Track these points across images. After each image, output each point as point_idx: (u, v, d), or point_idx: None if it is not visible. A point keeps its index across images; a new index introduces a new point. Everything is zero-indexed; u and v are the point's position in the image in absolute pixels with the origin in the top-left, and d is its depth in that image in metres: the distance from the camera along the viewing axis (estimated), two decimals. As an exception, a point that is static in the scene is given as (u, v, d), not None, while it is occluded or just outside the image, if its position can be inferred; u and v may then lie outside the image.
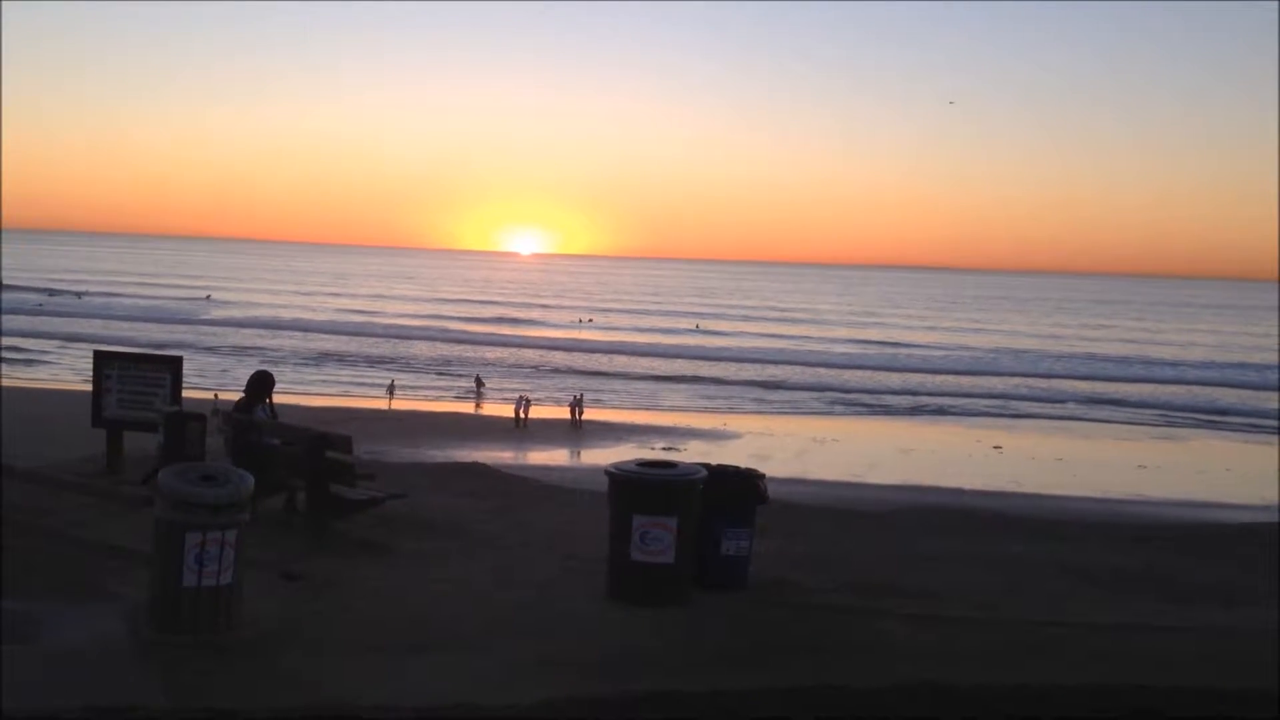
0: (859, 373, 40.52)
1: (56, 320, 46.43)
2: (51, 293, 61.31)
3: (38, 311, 49.71)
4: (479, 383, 29.73)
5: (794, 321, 69.00)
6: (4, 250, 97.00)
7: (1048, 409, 31.95)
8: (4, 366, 29.37)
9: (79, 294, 63.14)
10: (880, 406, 31.09)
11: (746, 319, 69.16)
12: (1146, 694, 7.14)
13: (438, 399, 28.70)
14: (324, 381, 31.54)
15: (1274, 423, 30.19)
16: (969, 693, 7.00)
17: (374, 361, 37.34)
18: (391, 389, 28.15)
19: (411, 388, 30.23)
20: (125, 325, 47.21)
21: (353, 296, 76.66)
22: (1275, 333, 68.22)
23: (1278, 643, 8.29)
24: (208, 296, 65.70)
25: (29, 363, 31.47)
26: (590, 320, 61.39)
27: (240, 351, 38.38)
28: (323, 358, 37.87)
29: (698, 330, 57.03)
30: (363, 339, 45.76)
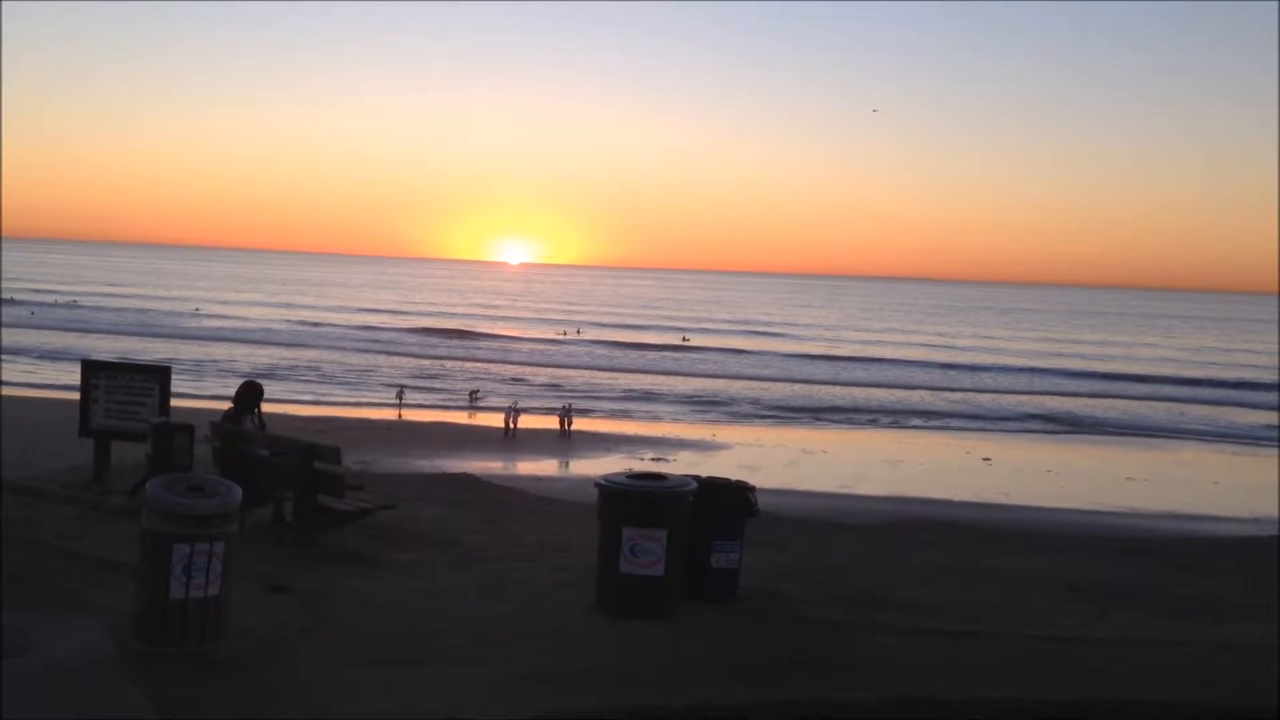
0: (846, 383, 40.56)
1: (43, 333, 46.19)
2: (12, 300, 60.61)
3: (26, 322, 49.40)
4: (475, 396, 29.64)
5: (779, 334, 69.02)
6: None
7: (1037, 421, 32.00)
8: None
9: (70, 304, 62.75)
10: (868, 417, 31.08)
11: (732, 331, 69.17)
12: (1140, 709, 7.12)
13: (427, 408, 28.59)
14: (312, 391, 31.41)
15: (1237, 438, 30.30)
16: (964, 707, 6.98)
17: (359, 371, 37.23)
18: (401, 396, 28.18)
19: (401, 396, 30.11)
20: (108, 337, 47.02)
21: (340, 308, 76.43)
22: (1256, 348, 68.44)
23: (1271, 658, 8.28)
24: (196, 309, 65.41)
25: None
26: (578, 333, 61.36)
27: (227, 362, 38.23)
28: (309, 367, 37.75)
29: (685, 343, 56.99)
30: (348, 349, 45.67)
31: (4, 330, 42.71)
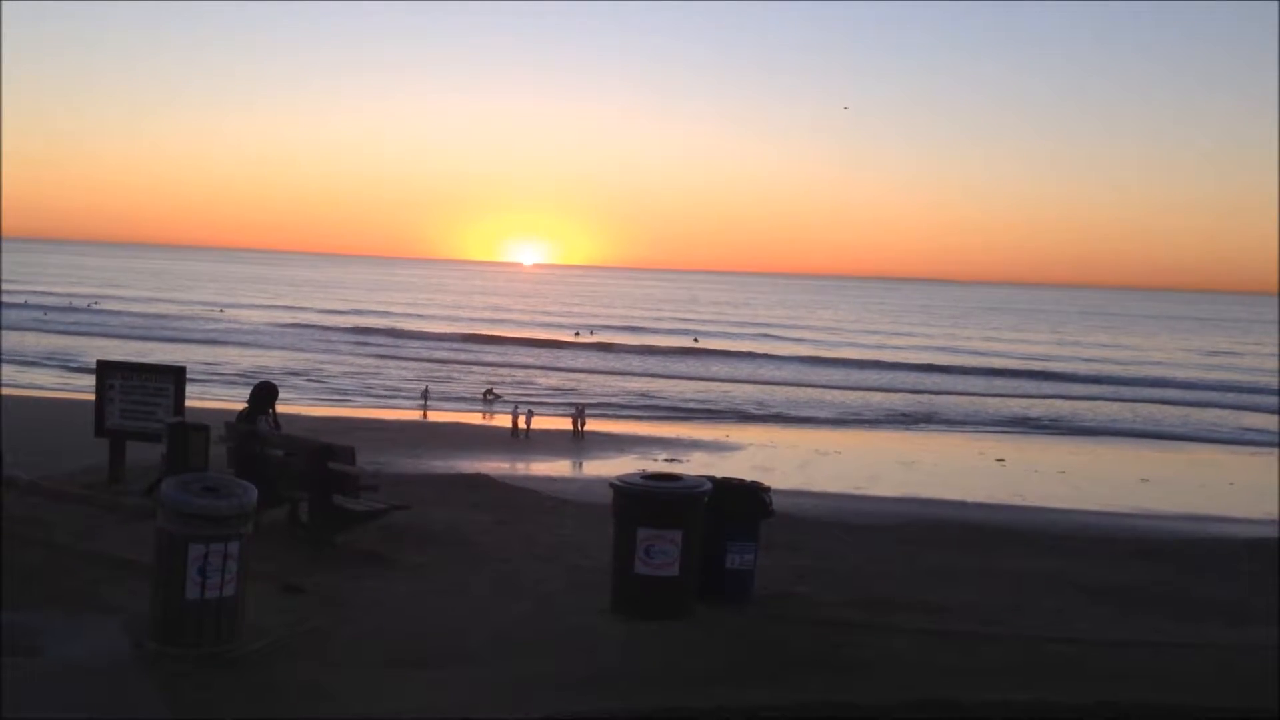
0: (858, 386, 40.48)
1: (56, 337, 46.38)
2: (26, 304, 60.59)
3: (40, 325, 49.55)
4: (489, 394, 29.67)
5: (790, 336, 68.94)
6: (2, 260, 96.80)
7: (1049, 422, 31.89)
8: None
9: (89, 306, 62.92)
10: (883, 419, 31.03)
11: (743, 333, 69.06)
12: (1157, 711, 7.09)
13: (443, 409, 28.64)
14: (326, 393, 31.49)
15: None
16: (978, 709, 6.95)
17: (372, 373, 37.32)
18: (426, 395, 28.32)
19: (411, 398, 30.16)
20: (127, 341, 47.23)
21: (354, 310, 76.57)
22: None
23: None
24: (220, 310, 65.71)
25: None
26: (591, 334, 61.44)
27: (247, 363, 38.36)
28: (324, 369, 37.86)
29: (696, 344, 57.01)
30: (361, 350, 45.80)
31: (23, 334, 42.91)
